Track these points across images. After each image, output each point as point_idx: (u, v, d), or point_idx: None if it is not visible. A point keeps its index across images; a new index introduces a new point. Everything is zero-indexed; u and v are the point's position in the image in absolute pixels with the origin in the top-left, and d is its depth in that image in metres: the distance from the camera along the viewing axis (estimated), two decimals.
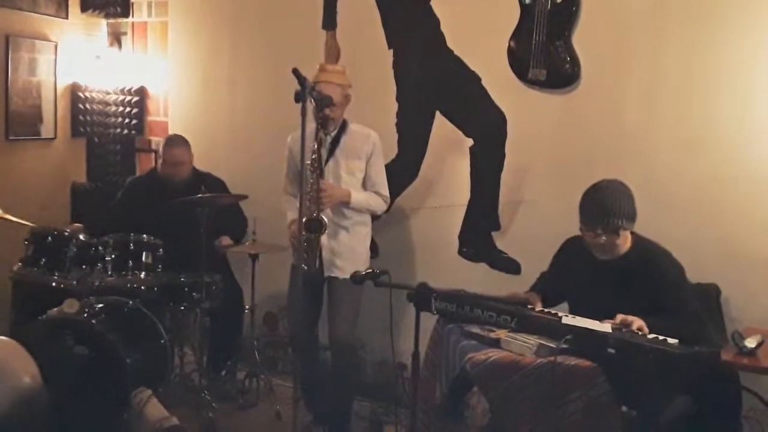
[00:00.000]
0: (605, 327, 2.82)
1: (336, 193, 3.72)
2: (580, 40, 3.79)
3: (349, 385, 3.96)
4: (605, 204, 3.01)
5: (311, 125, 3.46)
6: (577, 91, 3.84)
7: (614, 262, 3.10)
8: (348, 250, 3.82)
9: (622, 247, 3.09)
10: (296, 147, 3.77)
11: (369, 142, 3.83)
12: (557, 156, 3.94)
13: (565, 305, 3.29)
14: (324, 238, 3.71)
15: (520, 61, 3.92)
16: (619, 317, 2.86)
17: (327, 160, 3.75)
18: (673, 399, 2.87)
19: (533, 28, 3.82)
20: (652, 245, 3.13)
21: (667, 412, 2.83)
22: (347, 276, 3.57)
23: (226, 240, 4.30)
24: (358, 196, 3.80)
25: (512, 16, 3.90)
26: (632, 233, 3.12)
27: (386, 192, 3.90)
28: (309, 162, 3.51)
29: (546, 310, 3.10)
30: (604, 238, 3.02)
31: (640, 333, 2.80)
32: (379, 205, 3.90)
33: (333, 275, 3.79)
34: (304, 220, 3.32)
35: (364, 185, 3.86)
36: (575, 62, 3.80)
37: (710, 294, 3.37)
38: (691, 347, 2.72)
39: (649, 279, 3.02)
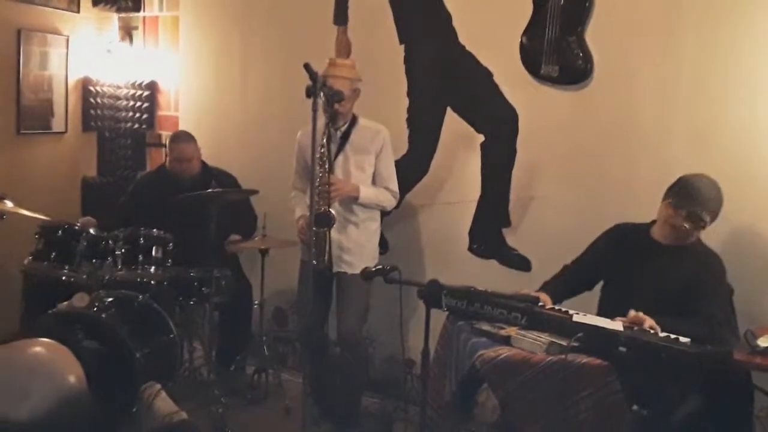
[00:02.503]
0: (616, 325, 2.80)
1: (345, 187, 3.71)
2: (593, 35, 3.76)
3: (358, 381, 3.96)
4: (704, 194, 3.03)
5: (321, 120, 3.45)
6: (590, 87, 3.81)
7: (672, 246, 3.13)
8: (357, 246, 3.81)
9: (688, 240, 3.13)
10: (305, 142, 3.77)
11: (379, 138, 3.82)
12: (569, 152, 3.91)
13: (576, 303, 3.27)
14: (333, 234, 3.70)
15: (532, 57, 3.90)
16: (631, 314, 2.85)
17: (336, 155, 3.75)
18: (684, 398, 2.85)
19: (546, 23, 3.80)
20: (711, 250, 3.17)
21: (678, 412, 2.82)
22: (356, 271, 3.56)
23: (235, 238, 4.29)
24: (368, 192, 3.79)
25: (525, 11, 3.88)
26: None
27: (396, 187, 3.89)
28: (318, 156, 3.51)
29: (557, 307, 3.08)
30: (686, 225, 3.03)
31: (651, 332, 2.79)
32: (389, 201, 3.89)
33: (341, 270, 3.79)
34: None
35: (374, 181, 3.85)
36: (588, 58, 3.77)
37: None
38: (704, 346, 2.70)
39: (695, 275, 3.05)
